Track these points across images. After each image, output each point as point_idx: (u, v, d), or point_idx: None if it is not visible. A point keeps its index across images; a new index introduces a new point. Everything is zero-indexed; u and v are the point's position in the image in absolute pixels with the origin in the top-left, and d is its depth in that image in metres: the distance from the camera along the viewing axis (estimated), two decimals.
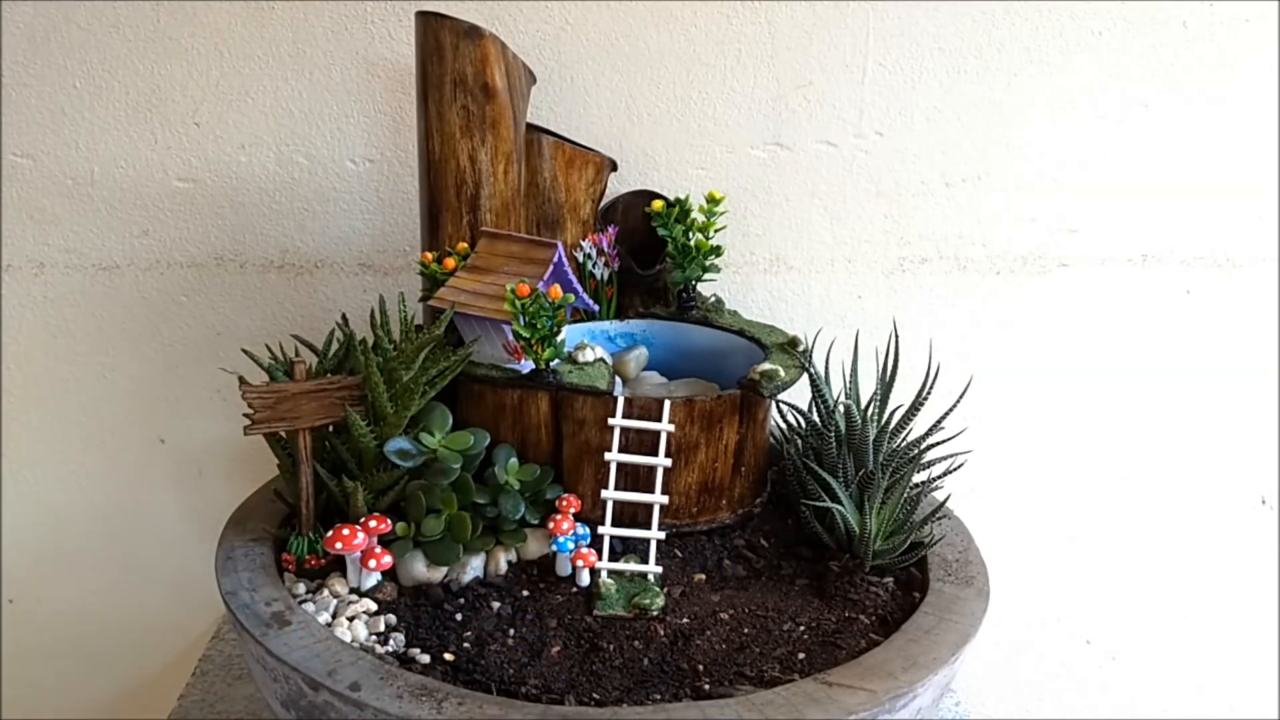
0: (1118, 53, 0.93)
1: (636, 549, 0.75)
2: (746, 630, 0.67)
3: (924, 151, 0.96)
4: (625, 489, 0.73)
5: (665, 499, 0.73)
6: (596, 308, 0.84)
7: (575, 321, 0.87)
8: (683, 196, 0.87)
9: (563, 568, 0.73)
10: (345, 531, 0.67)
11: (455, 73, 0.79)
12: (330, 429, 0.74)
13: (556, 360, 0.74)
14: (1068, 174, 0.97)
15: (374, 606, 0.67)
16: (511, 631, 0.67)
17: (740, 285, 1.00)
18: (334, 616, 0.66)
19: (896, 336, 0.79)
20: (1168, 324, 1.01)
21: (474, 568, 0.72)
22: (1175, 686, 1.14)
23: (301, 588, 0.69)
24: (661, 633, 0.67)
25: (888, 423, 0.78)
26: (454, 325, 0.77)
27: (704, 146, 0.95)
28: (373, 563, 0.67)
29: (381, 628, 0.66)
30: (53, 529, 1.06)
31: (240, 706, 0.83)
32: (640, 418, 0.73)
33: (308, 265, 0.98)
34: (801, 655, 0.65)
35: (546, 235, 0.87)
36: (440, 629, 0.67)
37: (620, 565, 0.73)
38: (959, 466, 0.78)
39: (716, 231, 0.86)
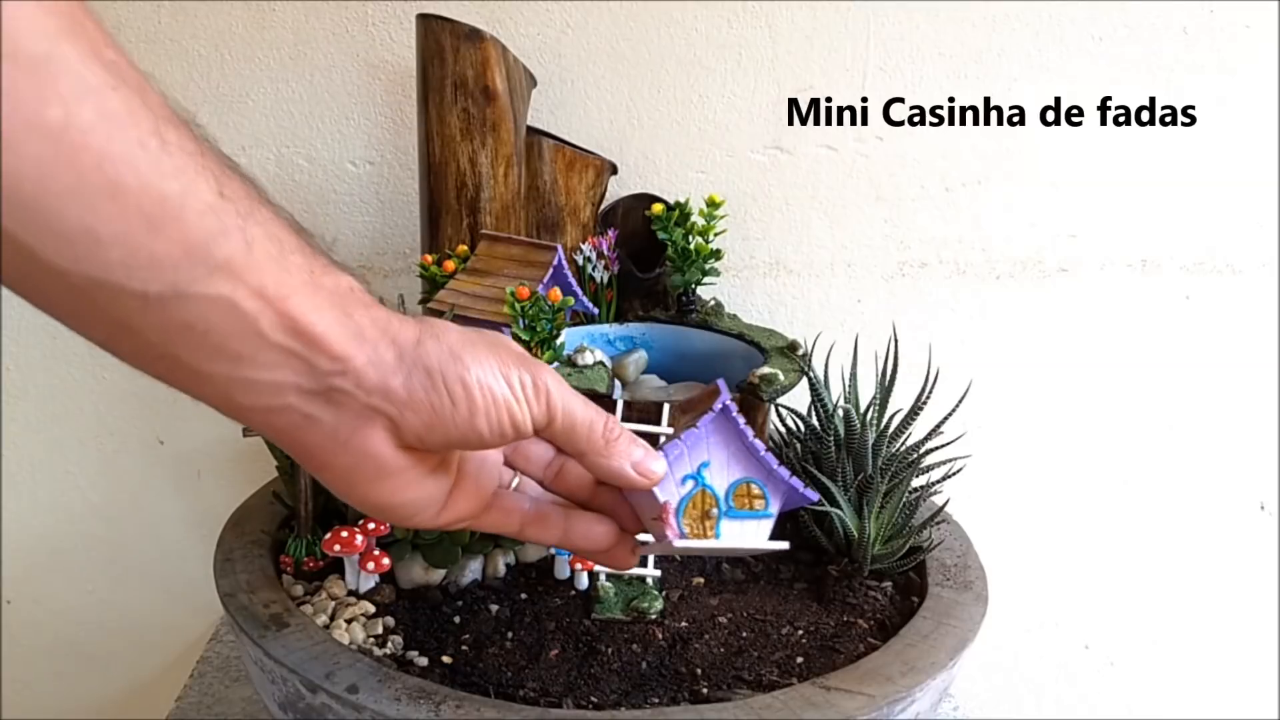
0: (1118, 58, 0.93)
1: None
2: (745, 634, 0.67)
3: (924, 156, 0.96)
4: None
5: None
6: (596, 311, 0.84)
7: (575, 324, 0.87)
8: (683, 200, 0.87)
9: (561, 571, 0.73)
10: (344, 534, 0.67)
11: (456, 75, 0.79)
12: None
13: (556, 363, 0.74)
14: (1067, 179, 0.97)
15: (372, 609, 0.67)
16: (510, 634, 0.67)
17: (740, 289, 1.00)
18: (332, 619, 0.66)
19: (896, 341, 0.79)
20: (1167, 329, 1.02)
21: (472, 570, 0.72)
22: (1174, 692, 1.14)
23: (300, 590, 0.69)
24: (660, 636, 0.67)
25: (887, 427, 0.78)
26: None
27: (704, 150, 0.96)
28: (371, 565, 0.67)
29: (380, 630, 0.66)
30: (51, 530, 1.06)
31: (238, 708, 0.83)
32: (639, 421, 0.73)
33: None
34: (800, 659, 0.65)
35: (546, 238, 0.87)
36: (438, 631, 0.67)
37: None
38: (958, 471, 0.78)
39: (716, 235, 0.86)
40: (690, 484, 0.48)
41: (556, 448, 0.47)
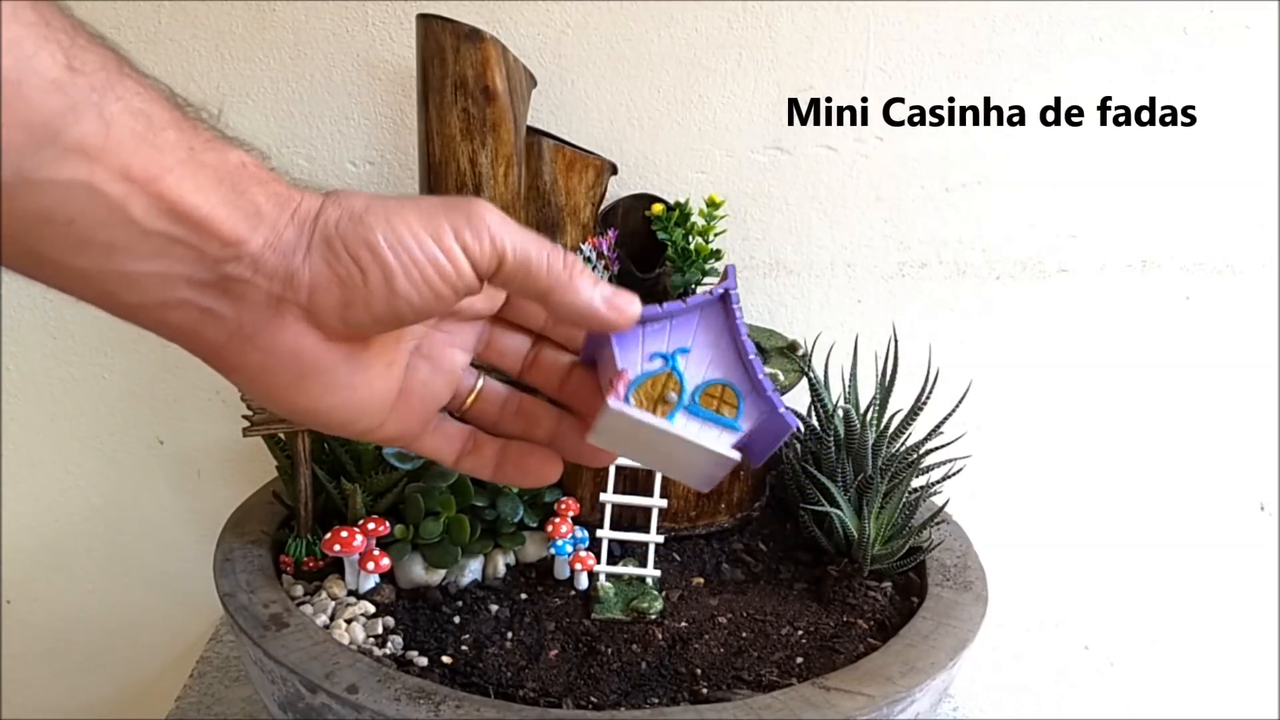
0: (1118, 58, 0.93)
1: (635, 552, 0.75)
2: (744, 634, 0.67)
3: (924, 156, 0.96)
4: (624, 492, 0.73)
5: (664, 502, 0.73)
6: None
7: None
8: (683, 200, 0.87)
9: (561, 571, 0.73)
10: (344, 534, 0.67)
11: (456, 75, 0.79)
12: None
13: None
14: (1067, 179, 0.97)
15: (372, 609, 0.67)
16: (509, 634, 0.67)
17: (740, 289, 0.99)
18: (332, 619, 0.66)
19: (896, 341, 0.79)
20: (1167, 329, 1.02)
21: (472, 570, 0.72)
22: (1174, 692, 1.14)
23: (299, 590, 0.69)
24: (659, 636, 0.67)
25: (886, 427, 0.78)
26: None
27: (704, 150, 0.95)
28: (371, 565, 0.67)
29: (379, 630, 0.66)
30: (51, 530, 1.06)
31: (238, 708, 0.83)
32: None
33: None
34: (799, 659, 0.65)
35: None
36: (438, 631, 0.67)
37: (618, 569, 0.73)
38: (958, 471, 0.78)
39: (716, 235, 0.86)
40: (659, 363, 0.41)
41: (509, 323, 0.43)
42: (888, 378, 0.79)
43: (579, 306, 0.38)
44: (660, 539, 0.73)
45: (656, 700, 0.60)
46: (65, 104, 0.29)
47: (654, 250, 0.89)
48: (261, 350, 0.35)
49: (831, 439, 0.76)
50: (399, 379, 0.40)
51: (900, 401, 0.78)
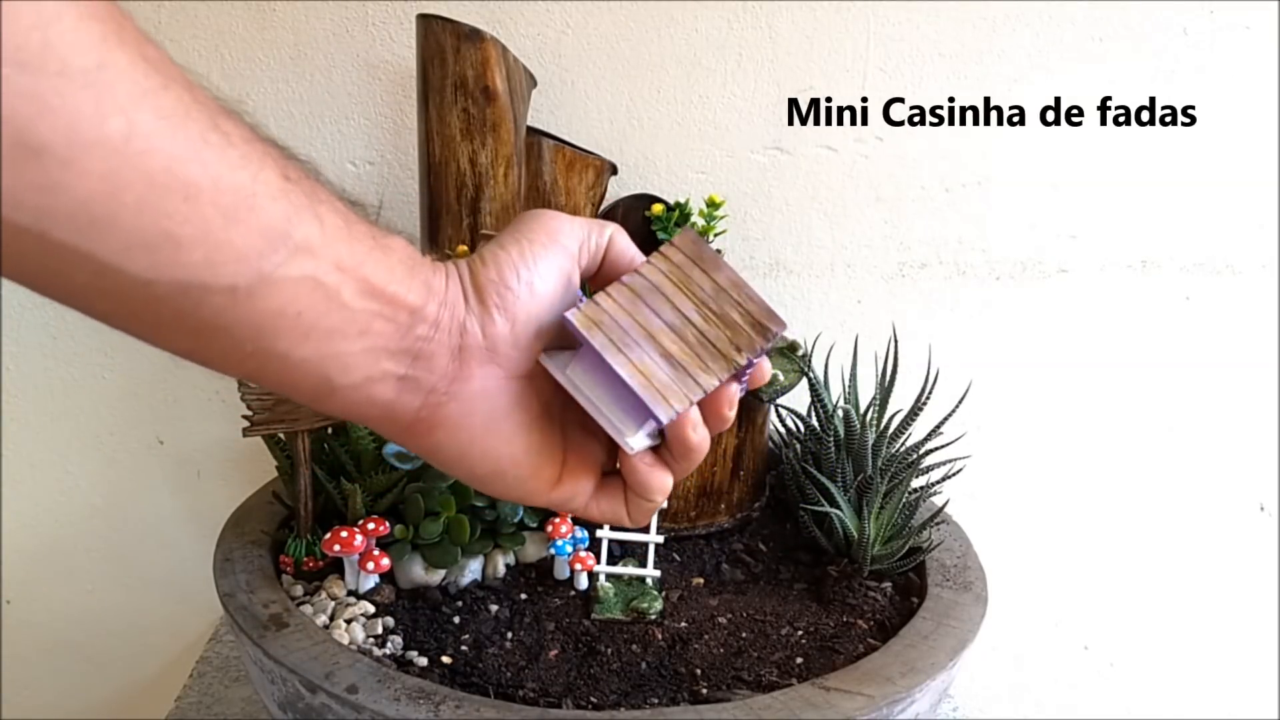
0: (1118, 59, 0.93)
1: (635, 552, 0.75)
2: (744, 634, 0.67)
3: (924, 157, 0.96)
4: None
5: (664, 503, 0.73)
6: None
7: None
8: (683, 200, 0.87)
9: (561, 571, 0.73)
10: (343, 534, 0.67)
11: (456, 76, 0.79)
12: (329, 431, 0.74)
13: None
14: (1067, 179, 0.97)
15: (372, 609, 0.67)
16: (509, 634, 0.67)
17: None
18: (332, 619, 0.66)
19: (896, 341, 0.79)
20: (1167, 329, 1.02)
21: (472, 570, 0.72)
22: (1174, 692, 1.14)
23: (299, 590, 0.69)
24: (659, 636, 0.67)
25: (886, 427, 0.78)
26: None
27: (704, 150, 0.95)
28: (371, 565, 0.67)
29: (379, 630, 0.66)
30: (50, 530, 1.06)
31: (237, 709, 0.83)
32: None
33: None
34: (799, 660, 0.65)
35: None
36: (438, 632, 0.67)
37: (618, 569, 0.73)
38: (958, 472, 0.78)
39: (716, 235, 0.86)
40: None
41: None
42: (888, 378, 0.79)
43: (626, 257, 0.46)
44: (660, 539, 0.73)
45: (656, 700, 0.60)
46: (290, 209, 0.34)
47: (654, 250, 0.89)
48: (457, 399, 0.40)
49: (831, 439, 0.76)
50: (560, 427, 0.44)
51: (900, 401, 0.78)
